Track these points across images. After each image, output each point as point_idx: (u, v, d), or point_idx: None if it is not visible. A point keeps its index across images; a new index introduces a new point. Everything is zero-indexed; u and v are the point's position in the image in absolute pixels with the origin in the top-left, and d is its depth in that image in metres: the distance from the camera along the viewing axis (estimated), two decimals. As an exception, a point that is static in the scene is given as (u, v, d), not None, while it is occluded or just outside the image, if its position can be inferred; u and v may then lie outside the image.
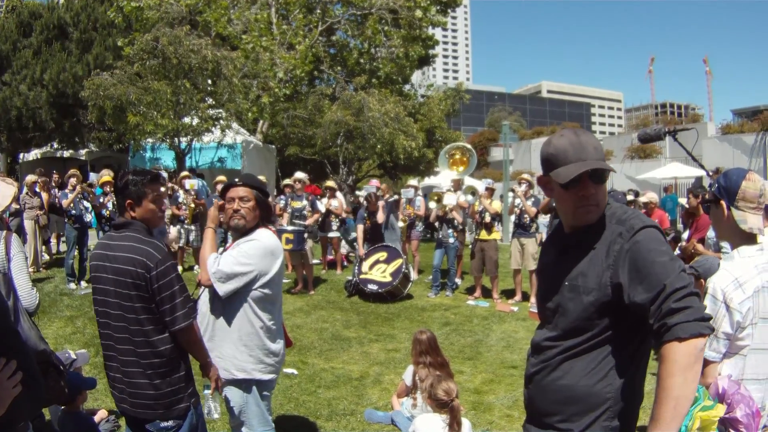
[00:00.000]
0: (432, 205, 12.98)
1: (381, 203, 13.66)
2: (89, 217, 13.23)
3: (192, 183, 13.56)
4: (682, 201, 12.62)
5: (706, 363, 3.05)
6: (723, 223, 3.25)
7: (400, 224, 15.17)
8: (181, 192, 13.43)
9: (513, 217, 12.51)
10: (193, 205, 13.59)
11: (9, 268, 3.88)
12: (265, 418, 4.20)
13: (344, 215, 15.90)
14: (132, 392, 3.62)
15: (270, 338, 4.14)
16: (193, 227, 13.96)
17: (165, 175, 13.64)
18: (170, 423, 3.67)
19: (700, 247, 7.96)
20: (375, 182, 16.20)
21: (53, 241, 15.92)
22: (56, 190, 14.79)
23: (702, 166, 4.46)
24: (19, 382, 2.21)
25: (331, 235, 15.20)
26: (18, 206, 13.01)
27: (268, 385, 4.23)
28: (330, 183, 16.27)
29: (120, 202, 3.75)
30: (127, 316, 3.55)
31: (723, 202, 3.21)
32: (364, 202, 14.01)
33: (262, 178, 15.53)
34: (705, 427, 2.71)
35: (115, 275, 3.55)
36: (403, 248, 14.70)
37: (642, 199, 11.87)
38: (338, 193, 15.55)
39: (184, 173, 14.49)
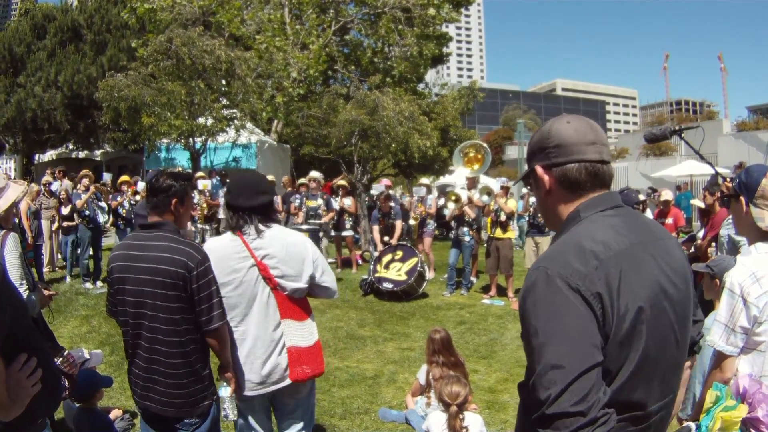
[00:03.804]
0: (450, 205, 12.94)
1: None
2: (104, 218, 13.35)
3: (205, 183, 13.61)
4: (694, 202, 12.49)
5: (724, 357, 3.05)
6: (742, 219, 3.22)
7: (412, 222, 15.15)
8: (195, 192, 13.48)
9: (527, 216, 12.50)
10: (205, 205, 13.63)
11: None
12: None
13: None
14: (162, 390, 3.65)
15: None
16: (207, 227, 14.02)
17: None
18: (195, 419, 3.72)
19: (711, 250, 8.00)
20: (386, 182, 16.18)
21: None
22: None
23: (711, 164, 4.44)
24: (38, 380, 2.22)
25: (345, 233, 15.20)
26: (36, 207, 13.12)
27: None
28: (342, 181, 16.26)
29: (163, 201, 3.75)
30: (163, 316, 3.58)
31: (742, 198, 3.16)
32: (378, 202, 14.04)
33: (271, 177, 15.58)
34: (727, 428, 2.67)
35: (152, 275, 3.57)
36: (416, 247, 14.72)
37: (661, 197, 11.79)
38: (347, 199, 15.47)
39: (199, 173, 14.54)
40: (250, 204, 3.95)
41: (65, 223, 12.91)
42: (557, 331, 1.77)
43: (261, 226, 3.94)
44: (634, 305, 1.84)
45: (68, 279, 13.12)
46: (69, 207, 12.82)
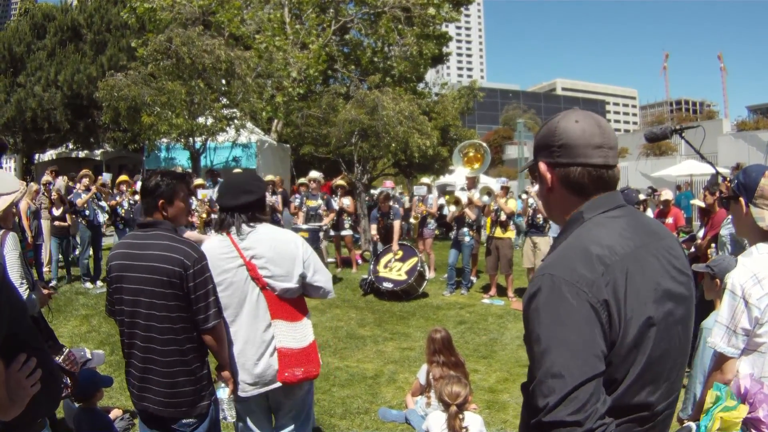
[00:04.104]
0: (452, 208, 12.94)
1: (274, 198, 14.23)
2: (104, 218, 13.32)
3: (204, 193, 13.63)
4: (694, 202, 12.51)
5: (725, 359, 3.03)
6: (742, 219, 3.18)
7: (412, 221, 15.15)
8: (194, 200, 13.48)
9: (524, 217, 12.51)
10: (204, 215, 13.66)
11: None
12: None
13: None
14: (158, 390, 3.65)
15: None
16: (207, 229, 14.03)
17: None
18: (193, 420, 3.71)
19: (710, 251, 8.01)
20: (389, 183, 16.18)
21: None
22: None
23: (711, 164, 4.42)
24: (37, 380, 2.21)
25: (343, 233, 15.21)
26: (36, 206, 13.09)
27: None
28: (341, 181, 16.24)
29: (151, 202, 3.76)
30: (159, 315, 3.58)
31: (742, 199, 3.13)
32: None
33: (270, 177, 15.55)
34: (727, 428, 2.67)
35: (150, 274, 3.57)
36: (417, 246, 14.71)
37: (661, 197, 11.77)
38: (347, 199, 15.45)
39: (198, 181, 14.53)
40: (234, 203, 3.95)
41: (57, 223, 12.73)
42: (559, 339, 1.76)
43: (245, 226, 3.92)
44: (640, 310, 1.84)
45: (54, 282, 12.74)
46: (61, 208, 12.69)
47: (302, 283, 4.02)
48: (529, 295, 1.88)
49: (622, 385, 1.84)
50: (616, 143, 2.05)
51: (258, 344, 3.91)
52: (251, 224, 3.94)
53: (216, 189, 14.92)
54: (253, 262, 3.89)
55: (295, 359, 3.96)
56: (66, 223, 12.79)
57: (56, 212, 12.71)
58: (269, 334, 3.93)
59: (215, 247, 3.95)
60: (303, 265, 3.98)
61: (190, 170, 17.07)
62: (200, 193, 13.57)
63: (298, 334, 4.02)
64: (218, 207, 4.09)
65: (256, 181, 4.19)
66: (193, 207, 13.25)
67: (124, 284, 3.68)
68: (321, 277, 4.10)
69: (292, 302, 4.02)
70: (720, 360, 3.07)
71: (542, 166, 2.09)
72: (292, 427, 4.15)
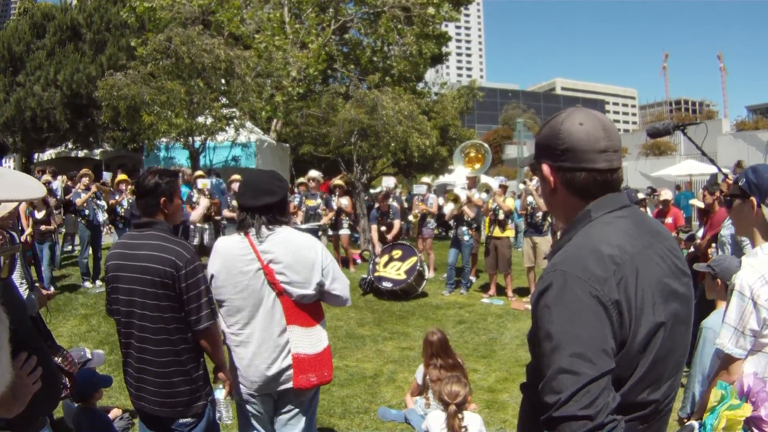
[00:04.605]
0: (450, 205, 12.94)
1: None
2: (103, 217, 13.28)
3: (204, 182, 13.58)
4: (693, 202, 12.53)
5: (732, 360, 3.02)
6: (749, 219, 3.16)
7: (411, 219, 15.15)
8: (194, 191, 13.46)
9: (522, 217, 12.51)
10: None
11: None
12: None
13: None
14: (153, 390, 3.66)
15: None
16: (206, 226, 14.01)
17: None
18: (188, 420, 3.71)
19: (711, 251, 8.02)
20: (391, 179, 16.17)
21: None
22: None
23: (713, 161, 4.41)
24: (38, 378, 2.23)
25: (341, 232, 15.21)
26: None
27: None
28: (339, 181, 16.24)
29: (151, 201, 3.75)
30: (152, 315, 3.58)
31: (753, 199, 3.12)
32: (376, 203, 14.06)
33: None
34: (730, 427, 2.66)
35: (142, 274, 3.58)
36: (416, 245, 14.71)
37: (660, 197, 11.77)
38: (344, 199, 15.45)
39: (198, 172, 14.52)
40: (254, 204, 3.83)
41: (43, 227, 11.39)
42: (570, 335, 1.75)
43: (264, 229, 3.80)
44: (650, 311, 1.84)
45: (52, 289, 11.07)
46: (44, 211, 11.52)
47: (319, 290, 3.92)
48: (539, 291, 1.87)
49: (627, 384, 1.84)
50: (620, 144, 2.03)
51: (272, 348, 3.83)
52: (270, 227, 3.82)
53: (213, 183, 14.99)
54: (271, 267, 3.79)
55: (309, 365, 3.88)
56: (50, 227, 11.81)
57: (38, 215, 11.33)
58: (284, 338, 3.85)
59: (233, 246, 3.86)
60: (321, 273, 3.87)
61: (190, 170, 17.04)
62: (200, 182, 13.56)
63: (314, 339, 3.93)
64: (239, 206, 4.00)
65: (279, 181, 4.03)
66: (194, 199, 13.21)
67: (119, 284, 3.69)
68: (339, 285, 3.99)
69: (308, 308, 3.93)
70: (726, 361, 3.06)
71: (545, 169, 2.07)
72: (302, 427, 4.13)
